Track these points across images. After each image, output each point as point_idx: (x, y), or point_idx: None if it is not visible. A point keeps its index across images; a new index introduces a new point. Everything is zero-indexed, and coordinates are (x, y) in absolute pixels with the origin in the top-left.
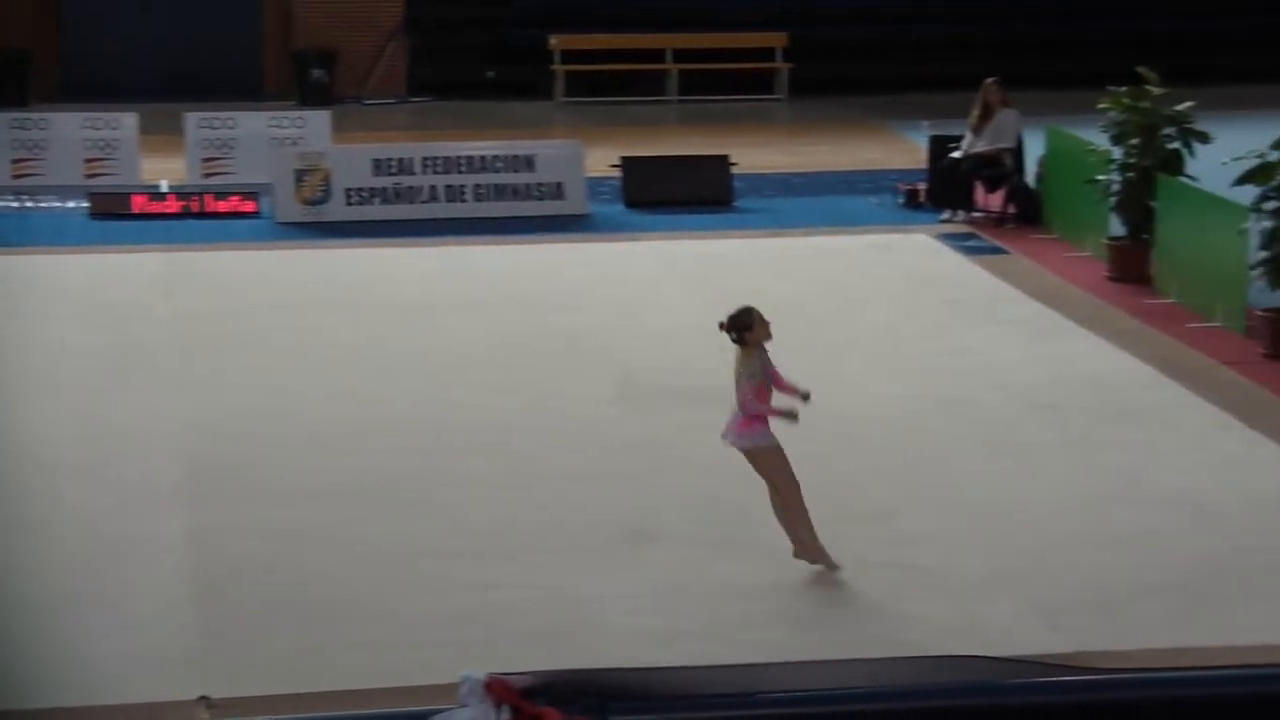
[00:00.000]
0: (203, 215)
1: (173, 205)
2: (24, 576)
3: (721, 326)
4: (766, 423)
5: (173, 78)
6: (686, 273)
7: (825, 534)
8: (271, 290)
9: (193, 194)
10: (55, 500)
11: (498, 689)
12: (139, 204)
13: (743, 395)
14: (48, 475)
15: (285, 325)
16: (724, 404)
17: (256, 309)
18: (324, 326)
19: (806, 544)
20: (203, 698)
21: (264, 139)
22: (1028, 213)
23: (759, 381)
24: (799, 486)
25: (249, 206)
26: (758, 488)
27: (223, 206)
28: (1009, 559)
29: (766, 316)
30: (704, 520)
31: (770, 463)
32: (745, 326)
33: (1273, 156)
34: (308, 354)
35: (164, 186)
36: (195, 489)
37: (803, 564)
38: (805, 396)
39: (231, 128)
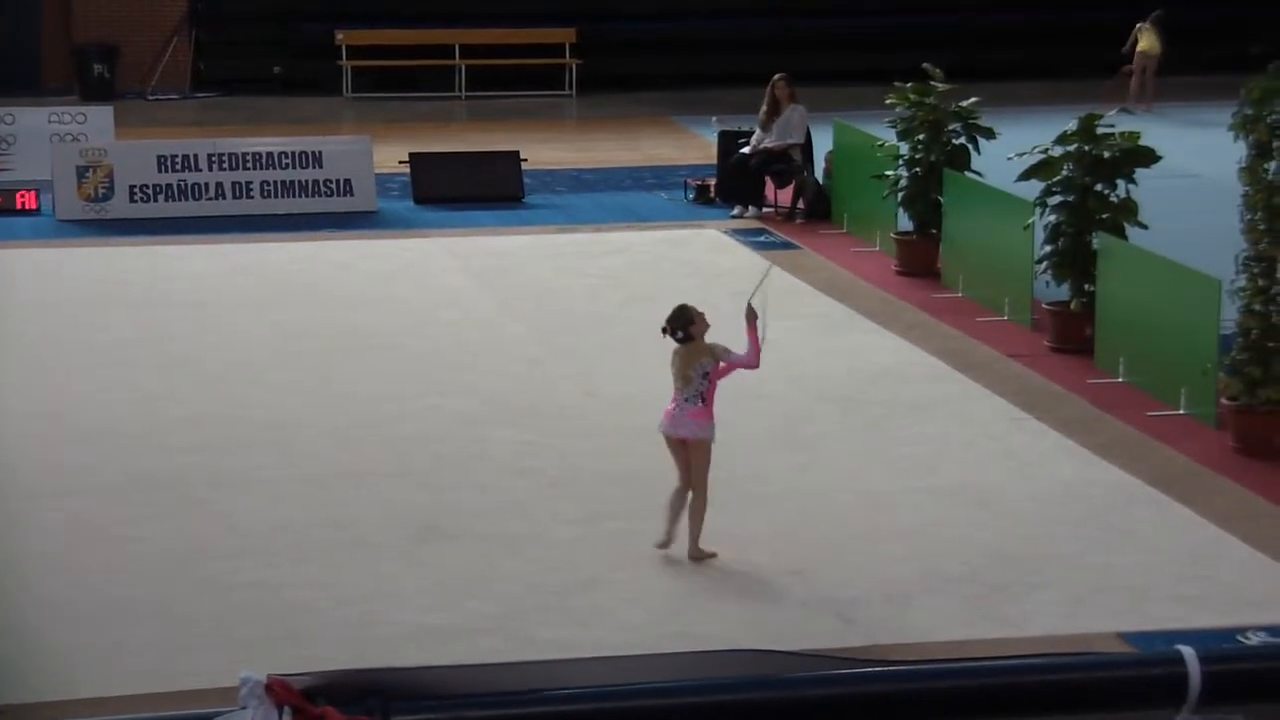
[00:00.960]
0: None
1: None
2: None
3: (664, 331)
4: (712, 417)
5: None
6: (477, 268)
7: (616, 528)
8: (53, 288)
9: None
10: None
11: (279, 689)
12: None
13: (708, 388)
14: None
15: (66, 323)
16: (513, 405)
17: (37, 307)
18: (106, 324)
19: (698, 543)
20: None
21: (44, 135)
22: (817, 208)
23: (711, 369)
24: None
25: (29, 203)
26: (544, 485)
27: (3, 204)
28: (801, 552)
29: (544, 308)
30: (493, 518)
31: (704, 456)
32: (687, 323)
33: (1056, 152)
34: (89, 352)
35: None
36: None
37: (592, 560)
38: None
39: (9, 123)
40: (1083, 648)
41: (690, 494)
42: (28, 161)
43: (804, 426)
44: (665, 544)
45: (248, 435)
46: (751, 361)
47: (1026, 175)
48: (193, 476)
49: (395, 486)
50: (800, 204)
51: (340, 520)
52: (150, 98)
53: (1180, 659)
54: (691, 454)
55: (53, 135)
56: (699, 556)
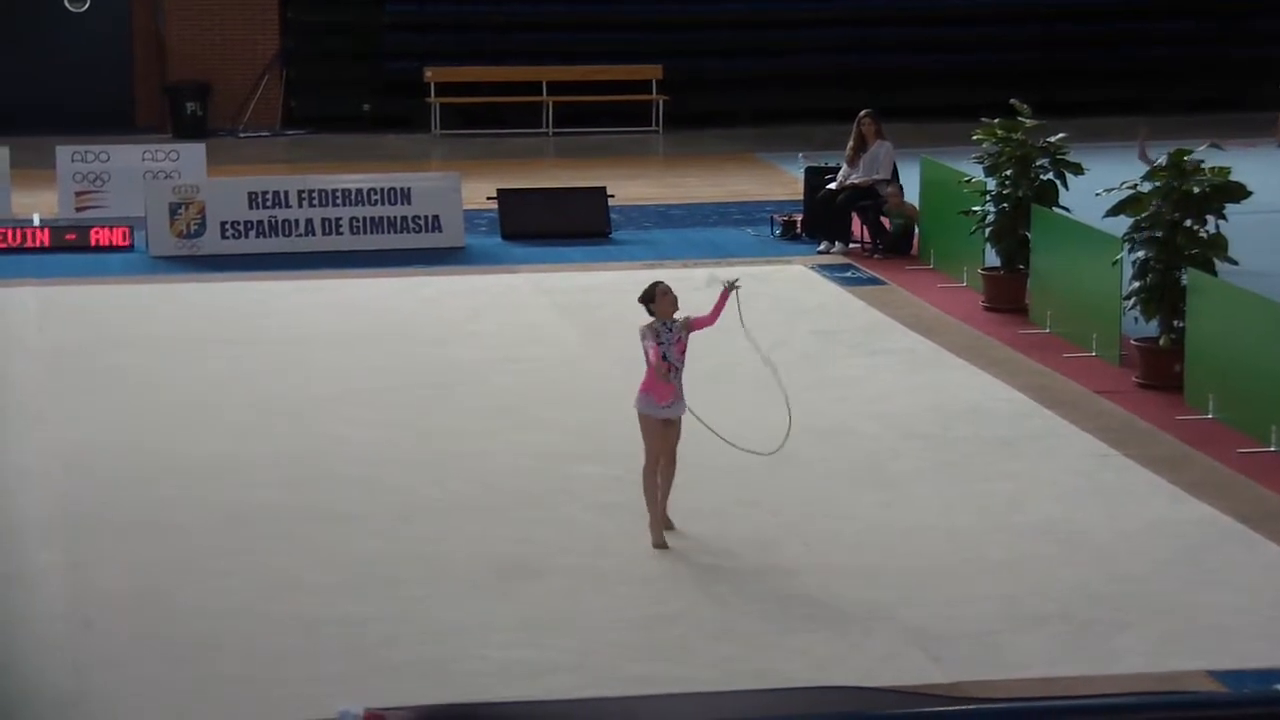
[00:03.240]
0: (75, 249)
1: (45, 239)
2: None
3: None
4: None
5: (44, 110)
6: (564, 304)
7: (703, 563)
8: (145, 324)
9: (65, 227)
10: None
11: None
12: (11, 238)
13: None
14: None
15: (159, 359)
16: (598, 440)
17: (129, 343)
18: (197, 360)
19: (664, 516)
20: None
21: (138, 172)
22: (904, 244)
23: (654, 345)
24: None
25: (122, 240)
26: (628, 521)
27: (97, 241)
28: (888, 590)
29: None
30: (578, 553)
31: (677, 433)
32: (648, 299)
33: (1145, 188)
34: (181, 388)
35: (36, 220)
36: (65, 524)
37: (676, 595)
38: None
39: (105, 161)
40: (1172, 686)
41: (670, 470)
42: (121, 199)
43: (890, 463)
44: (659, 529)
45: (336, 470)
46: (709, 319)
47: (1115, 211)
48: (281, 511)
49: (481, 521)
50: (884, 241)
51: (426, 555)
52: (241, 135)
53: (1277, 699)
54: (675, 431)
55: (146, 173)
56: (661, 527)
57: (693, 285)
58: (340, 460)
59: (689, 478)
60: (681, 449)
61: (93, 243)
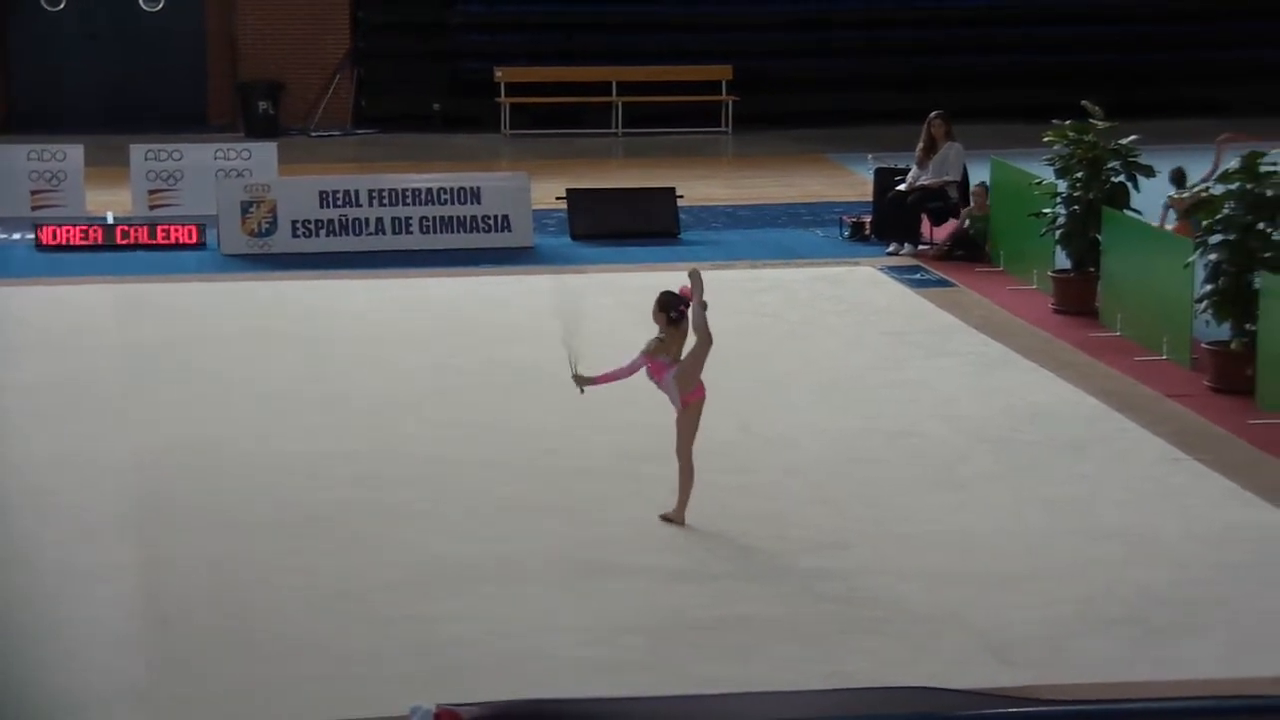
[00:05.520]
0: (148, 247)
1: (119, 237)
2: None
3: (672, 312)
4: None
5: (118, 109)
6: (632, 304)
7: (770, 565)
8: (217, 322)
9: (139, 225)
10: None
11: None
12: (85, 235)
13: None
14: None
15: (231, 357)
16: (668, 440)
17: (202, 341)
18: (270, 358)
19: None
20: None
21: (210, 170)
22: (973, 246)
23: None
24: None
25: (195, 238)
26: (699, 521)
27: (168, 238)
28: (957, 592)
29: (710, 337)
30: (649, 553)
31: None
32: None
33: (1216, 190)
34: (254, 386)
35: (110, 218)
36: (141, 522)
37: (746, 595)
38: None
39: (178, 159)
40: (1242, 691)
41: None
42: (194, 197)
43: (959, 466)
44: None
45: (406, 469)
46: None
47: (1187, 214)
48: (351, 510)
49: (552, 520)
50: (956, 243)
51: (498, 554)
52: (313, 134)
53: None
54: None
55: (218, 171)
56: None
57: (760, 286)
58: (409, 459)
59: (756, 480)
60: (749, 449)
61: (165, 240)
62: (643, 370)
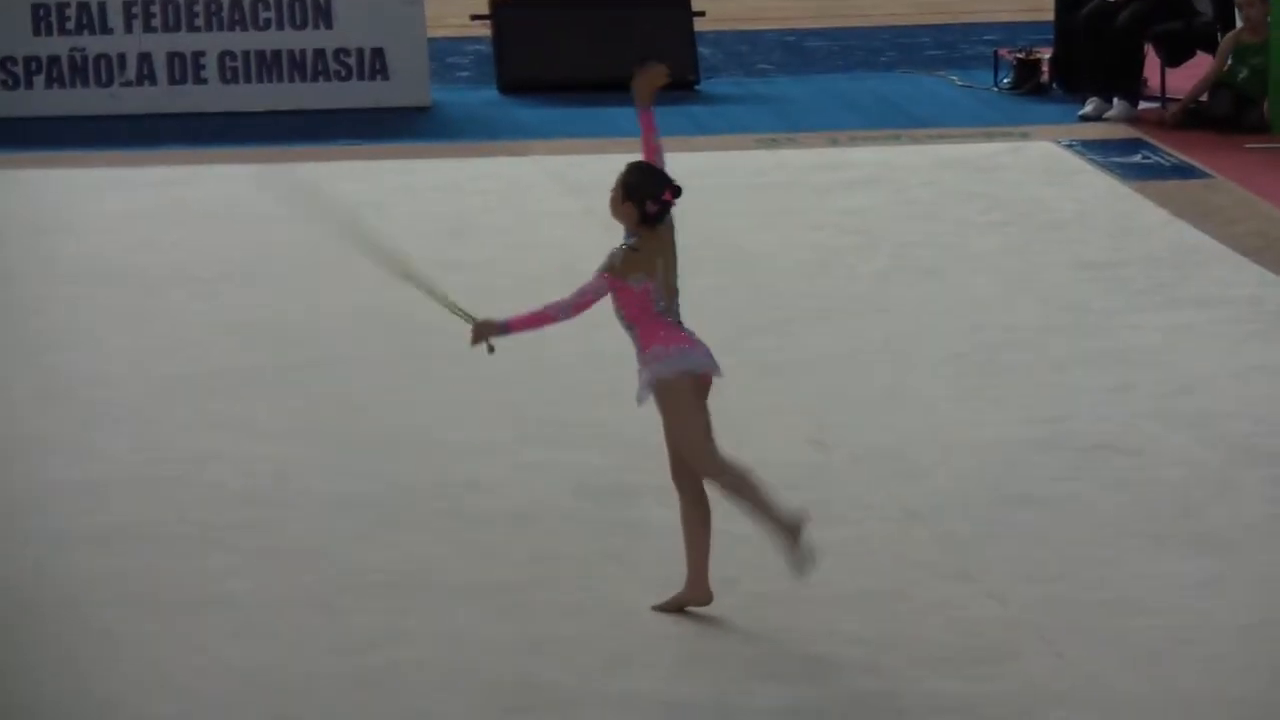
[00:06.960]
0: None
1: None
2: None
3: (655, 209)
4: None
5: None
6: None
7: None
8: None
9: None
10: None
11: None
12: None
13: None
14: None
15: None
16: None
17: None
18: None
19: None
20: None
21: None
22: (1239, 104)
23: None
24: None
25: None
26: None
27: None
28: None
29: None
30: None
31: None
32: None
33: None
34: None
35: None
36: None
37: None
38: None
39: None
40: None
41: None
42: None
43: (1212, 506)
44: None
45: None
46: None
47: None
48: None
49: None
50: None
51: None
52: None
53: None
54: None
55: None
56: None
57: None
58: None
59: (838, 536)
60: (828, 478)
61: None
62: (602, 303)
